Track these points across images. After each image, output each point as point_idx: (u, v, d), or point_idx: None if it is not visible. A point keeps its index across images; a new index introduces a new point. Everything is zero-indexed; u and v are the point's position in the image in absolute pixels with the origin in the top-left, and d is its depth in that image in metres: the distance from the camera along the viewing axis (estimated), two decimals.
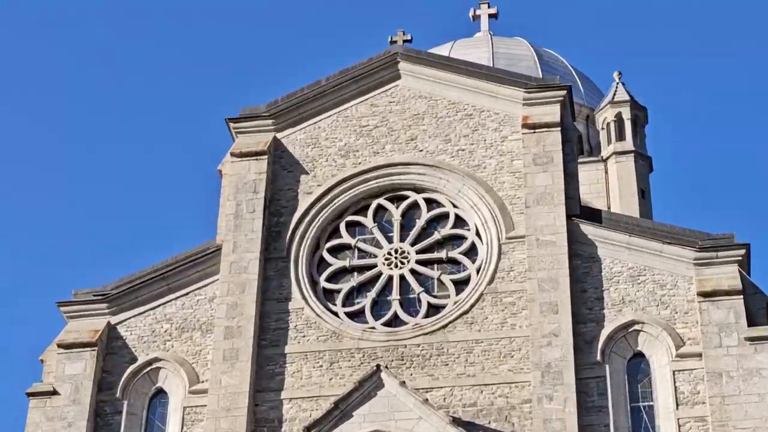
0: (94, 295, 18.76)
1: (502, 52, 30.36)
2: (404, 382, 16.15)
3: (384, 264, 18.22)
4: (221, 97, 53.63)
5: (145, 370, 18.17)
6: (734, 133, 59.02)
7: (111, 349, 18.46)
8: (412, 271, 18.09)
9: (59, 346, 18.27)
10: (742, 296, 16.41)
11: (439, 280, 18.02)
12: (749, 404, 15.59)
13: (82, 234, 56.42)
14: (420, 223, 18.62)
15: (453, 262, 18.27)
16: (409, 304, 18.00)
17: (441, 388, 16.89)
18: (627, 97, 26.38)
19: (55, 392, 17.78)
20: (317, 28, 63.10)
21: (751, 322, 16.29)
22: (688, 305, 16.60)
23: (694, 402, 16.09)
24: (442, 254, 18.25)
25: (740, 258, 16.93)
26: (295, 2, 61.18)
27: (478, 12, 32.69)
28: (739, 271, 16.74)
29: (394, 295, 17.97)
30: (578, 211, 18.03)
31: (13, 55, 57.31)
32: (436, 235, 18.41)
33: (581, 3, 60.00)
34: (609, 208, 23.73)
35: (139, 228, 55.19)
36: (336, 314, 17.90)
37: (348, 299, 18.34)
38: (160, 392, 18.27)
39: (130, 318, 18.72)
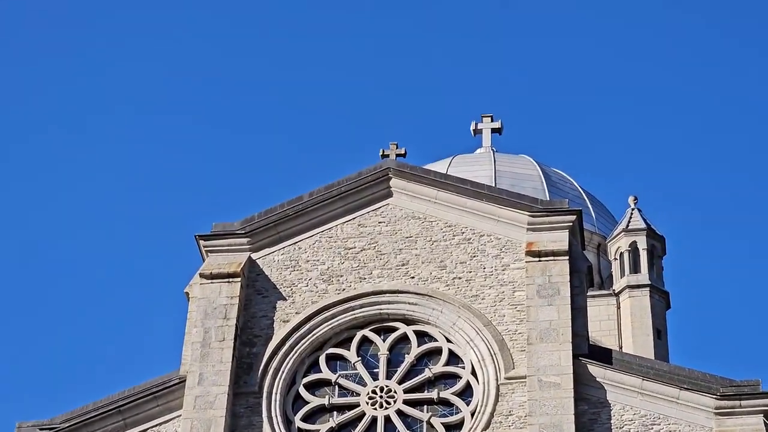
0: (40, 429, 18.84)
1: (506, 170, 31.31)
2: None
3: (368, 403, 18.36)
4: (191, 211, 54.45)
5: None
6: (764, 269, 59.69)
7: None
8: (399, 413, 18.21)
9: None
10: None
11: (429, 423, 18.10)
12: None
13: (29, 360, 56.34)
14: (409, 358, 18.89)
15: (445, 403, 18.42)
16: None
17: None
18: (643, 225, 27.10)
19: None
20: (301, 138, 64.15)
21: None
22: None
23: None
24: (433, 394, 18.40)
25: (767, 408, 17.09)
26: (278, 109, 62.82)
27: (479, 126, 33.60)
28: (765, 423, 16.91)
29: None
30: (586, 351, 18.35)
31: None
32: (427, 373, 18.65)
33: (593, 119, 61.48)
34: (621, 347, 24.01)
35: (92, 354, 55.09)
36: None
37: None
38: None
39: None
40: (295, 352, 19.14)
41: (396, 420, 18.15)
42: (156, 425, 18.81)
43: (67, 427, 18.79)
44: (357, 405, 18.50)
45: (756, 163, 65.46)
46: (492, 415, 17.60)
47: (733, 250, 58.07)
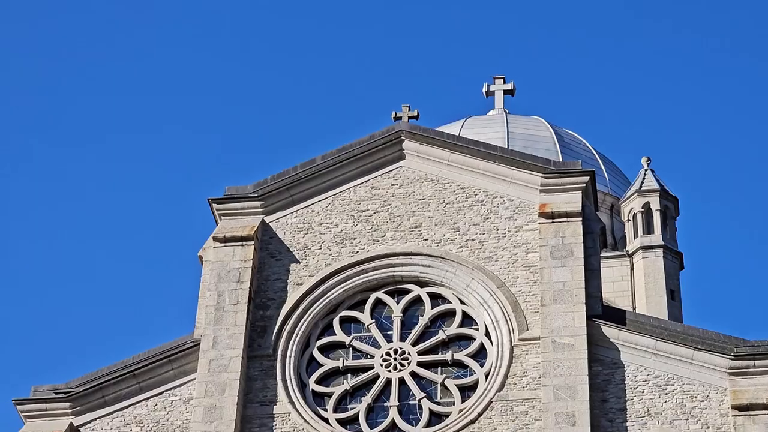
0: (56, 393, 19.00)
1: (518, 132, 31.32)
2: None
3: (381, 366, 18.52)
4: (204, 174, 54.54)
5: None
6: None
7: None
8: (413, 375, 18.35)
9: None
10: None
11: (442, 385, 18.29)
12: None
13: (44, 325, 56.72)
14: (423, 320, 19.00)
15: (459, 365, 18.58)
16: (409, 411, 18.21)
17: None
18: (656, 186, 27.15)
19: None
20: (314, 102, 64.19)
21: None
22: (721, 419, 16.83)
23: None
24: (446, 356, 18.53)
25: None
26: (290, 73, 62.65)
27: (492, 87, 33.75)
28: None
29: (392, 400, 18.20)
30: (600, 312, 18.39)
31: None
32: (441, 335, 18.77)
33: (606, 80, 61.55)
34: (634, 308, 24.14)
35: (107, 319, 55.43)
36: (326, 421, 18.08)
37: (340, 404, 18.52)
38: None
39: (95, 419, 18.91)
40: (309, 314, 19.25)
41: (410, 382, 18.30)
42: (170, 389, 18.97)
43: (83, 391, 18.95)
44: (371, 367, 18.63)
45: None
46: (506, 376, 17.70)
47: (747, 210, 58.28)
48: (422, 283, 19.43)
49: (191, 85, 64.22)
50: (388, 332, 19.03)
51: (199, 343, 18.88)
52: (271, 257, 20.15)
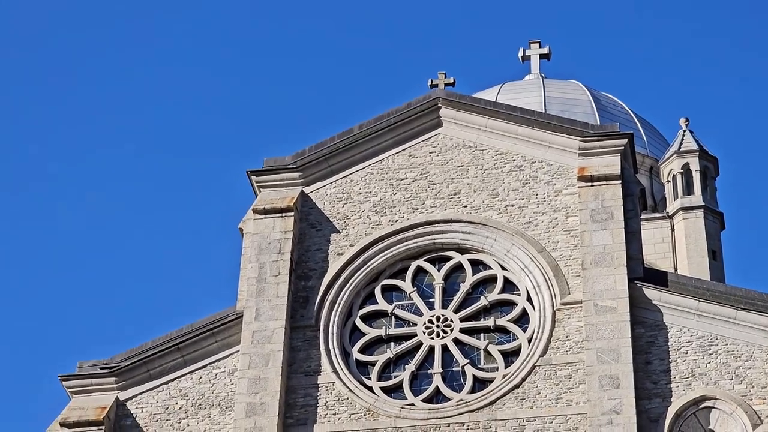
0: (101, 368, 19.33)
1: (555, 96, 31.17)
2: None
3: (424, 333, 18.62)
4: (243, 147, 54.76)
5: None
6: None
7: (120, 428, 18.85)
8: (456, 341, 18.44)
9: (62, 425, 18.64)
10: None
11: (485, 350, 18.37)
12: None
13: (89, 301, 57.45)
14: (464, 287, 19.06)
15: (501, 330, 18.64)
16: (453, 378, 18.32)
17: None
18: (695, 147, 26.92)
19: None
20: (350, 71, 64.05)
21: None
22: (765, 379, 16.77)
23: None
24: (489, 322, 18.59)
25: None
26: (326, 43, 62.57)
27: (527, 52, 33.55)
28: None
29: (436, 367, 18.29)
30: (641, 274, 18.37)
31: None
32: (483, 301, 18.82)
33: (642, 42, 60.84)
34: (676, 270, 24.05)
35: (150, 294, 56.00)
36: (371, 389, 18.23)
37: (384, 372, 18.66)
38: None
39: (141, 393, 19.11)
40: (351, 284, 19.37)
41: (453, 348, 18.40)
42: (215, 361, 19.15)
43: (127, 365, 19.21)
44: (414, 335, 18.74)
45: None
46: (549, 341, 17.76)
47: None
48: (463, 250, 19.45)
49: (229, 58, 64.39)
50: (430, 300, 19.09)
51: (242, 316, 19.00)
52: (311, 228, 20.26)
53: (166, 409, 18.89)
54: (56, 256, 57.27)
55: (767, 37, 61.85)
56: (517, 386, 17.46)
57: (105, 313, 56.20)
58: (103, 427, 18.43)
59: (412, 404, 17.98)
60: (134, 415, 18.96)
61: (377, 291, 19.43)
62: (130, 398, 19.10)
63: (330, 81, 63.71)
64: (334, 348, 18.70)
